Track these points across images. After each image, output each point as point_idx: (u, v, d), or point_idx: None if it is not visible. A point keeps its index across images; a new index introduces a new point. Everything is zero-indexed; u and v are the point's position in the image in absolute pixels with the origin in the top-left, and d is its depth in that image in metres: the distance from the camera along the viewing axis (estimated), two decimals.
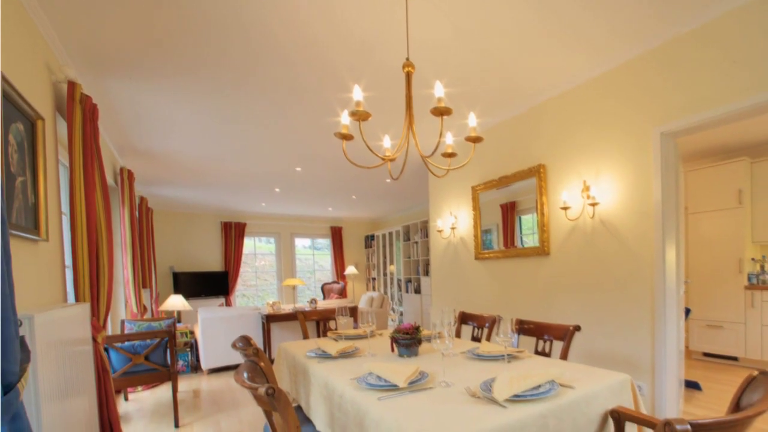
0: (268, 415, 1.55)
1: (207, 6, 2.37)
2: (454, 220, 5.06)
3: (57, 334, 1.93)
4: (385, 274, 10.75)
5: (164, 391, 4.70)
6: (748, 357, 4.79)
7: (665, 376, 2.92)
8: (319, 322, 3.51)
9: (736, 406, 1.17)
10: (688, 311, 4.55)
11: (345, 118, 1.99)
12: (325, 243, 11.63)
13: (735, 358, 4.95)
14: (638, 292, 3.07)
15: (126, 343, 3.58)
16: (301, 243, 11.31)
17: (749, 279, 4.88)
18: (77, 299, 2.59)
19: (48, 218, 2.29)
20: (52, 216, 2.42)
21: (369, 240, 11.75)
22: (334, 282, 11.05)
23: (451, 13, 2.50)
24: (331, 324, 3.59)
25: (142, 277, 5.62)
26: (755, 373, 1.16)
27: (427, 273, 8.58)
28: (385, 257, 10.70)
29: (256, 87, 3.41)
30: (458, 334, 3.15)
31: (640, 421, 1.55)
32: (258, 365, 1.64)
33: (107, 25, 2.53)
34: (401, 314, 9.65)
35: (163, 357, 3.74)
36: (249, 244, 10.38)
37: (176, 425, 3.58)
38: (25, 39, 2.20)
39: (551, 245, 3.75)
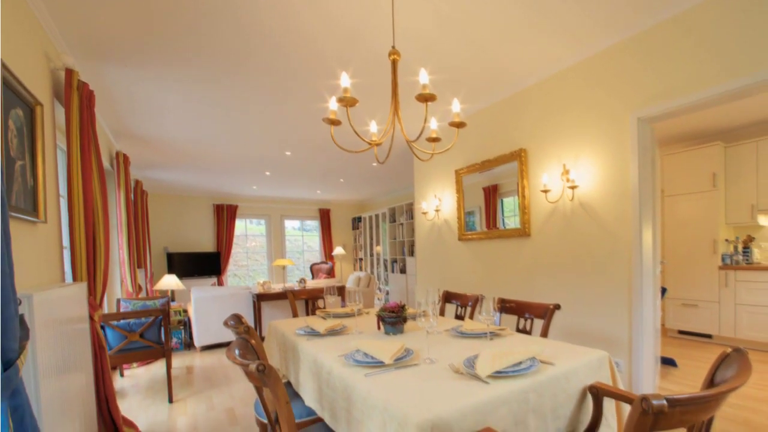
0: (259, 391, 1.60)
1: None
2: (438, 203, 5.12)
3: (55, 313, 1.96)
4: (371, 255, 10.83)
5: (158, 367, 4.80)
6: (722, 335, 4.91)
7: (642, 353, 2.97)
8: (308, 301, 3.56)
9: (711, 382, 1.19)
10: (664, 290, 4.68)
11: (333, 104, 2.03)
12: (314, 224, 11.69)
13: (709, 336, 5.07)
14: (616, 272, 3.13)
15: (122, 321, 3.64)
16: (291, 224, 11.35)
17: (723, 259, 4.99)
18: (74, 279, 2.62)
19: (46, 201, 2.32)
20: (50, 199, 2.45)
21: (356, 222, 11.81)
22: (322, 262, 11.13)
23: (435, 2, 2.52)
24: (320, 303, 3.64)
25: (138, 258, 5.66)
26: (729, 350, 1.18)
27: (412, 254, 8.64)
28: (371, 238, 10.77)
29: (247, 74, 3.42)
30: (442, 313, 3.18)
31: (618, 396, 1.60)
32: (249, 342, 1.66)
33: (104, 13, 2.55)
34: (387, 293, 9.77)
35: (157, 335, 3.80)
36: (240, 225, 10.42)
37: (170, 400, 3.66)
38: (24, 28, 2.21)
39: (532, 227, 3.82)
